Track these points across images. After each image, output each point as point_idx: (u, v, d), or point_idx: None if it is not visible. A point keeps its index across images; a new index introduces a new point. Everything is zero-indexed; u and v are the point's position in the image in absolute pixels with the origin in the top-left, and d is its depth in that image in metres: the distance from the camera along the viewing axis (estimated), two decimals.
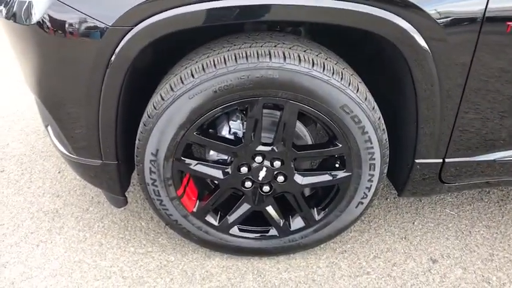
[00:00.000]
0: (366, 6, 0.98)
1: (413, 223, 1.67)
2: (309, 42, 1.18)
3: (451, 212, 1.73)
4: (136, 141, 1.21)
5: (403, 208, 1.74)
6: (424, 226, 1.66)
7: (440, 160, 1.25)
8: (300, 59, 1.08)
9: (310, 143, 1.33)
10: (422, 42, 1.01)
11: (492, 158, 1.26)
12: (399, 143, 1.29)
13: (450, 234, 1.62)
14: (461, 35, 1.03)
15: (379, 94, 1.22)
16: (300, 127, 1.30)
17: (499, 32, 1.02)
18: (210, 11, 1.00)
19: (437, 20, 0.99)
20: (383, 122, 1.20)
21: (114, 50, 1.04)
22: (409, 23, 0.99)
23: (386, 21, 0.99)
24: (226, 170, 1.27)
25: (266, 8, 1.01)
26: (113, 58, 1.05)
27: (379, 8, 0.98)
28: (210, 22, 1.02)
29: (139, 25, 1.01)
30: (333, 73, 1.10)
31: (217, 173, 1.27)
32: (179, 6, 0.99)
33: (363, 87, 1.15)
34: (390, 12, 0.98)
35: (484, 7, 0.99)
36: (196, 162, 1.26)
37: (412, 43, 1.02)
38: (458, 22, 1.00)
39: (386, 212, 1.72)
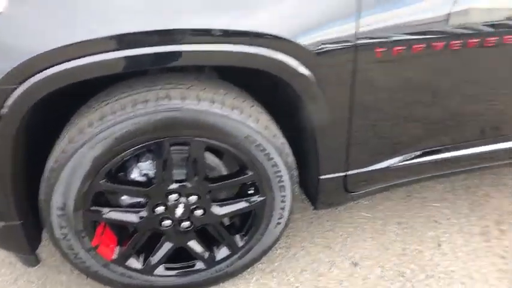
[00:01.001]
0: (242, 46, 1.04)
1: (334, 230, 1.78)
2: (209, 80, 1.22)
3: (366, 215, 1.86)
4: (40, 197, 1.16)
5: (324, 217, 1.85)
6: (344, 232, 1.77)
7: (343, 173, 1.36)
8: (198, 98, 1.12)
9: (225, 173, 1.36)
10: (302, 69, 1.10)
11: (386, 165, 1.40)
12: (306, 162, 1.38)
13: (367, 236, 1.75)
14: (338, 59, 1.13)
15: (284, 119, 1.31)
16: (212, 159, 1.33)
17: (372, 56, 1.14)
18: (98, 63, 1.00)
19: (312, 49, 1.08)
20: (287, 145, 1.27)
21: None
22: (286, 55, 1.07)
23: (266, 58, 1.06)
24: (141, 213, 1.26)
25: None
26: None
27: (256, 46, 1.04)
28: (100, 73, 1.02)
29: (25, 83, 0.98)
30: (233, 108, 1.15)
31: (133, 218, 1.26)
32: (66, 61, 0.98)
33: (263, 117, 1.21)
34: (267, 48, 1.05)
35: (354, 33, 1.10)
36: (109, 209, 1.24)
37: (293, 72, 1.10)
38: (332, 49, 1.10)
39: (309, 223, 1.81)
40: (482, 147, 1.52)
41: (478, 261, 1.65)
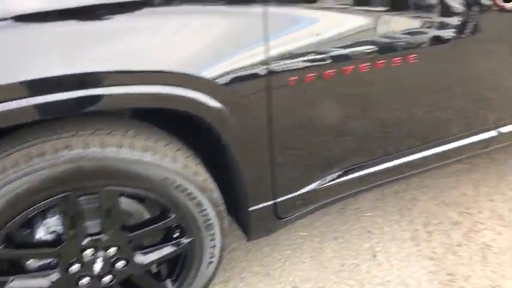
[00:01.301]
0: (139, 86, 0.97)
1: (273, 255, 1.74)
2: (116, 123, 1.12)
3: (304, 234, 1.85)
4: None
5: (261, 242, 1.80)
6: (282, 256, 1.74)
7: (272, 202, 1.32)
8: (104, 144, 1.02)
9: (148, 217, 1.26)
10: (213, 103, 1.04)
11: (314, 187, 1.39)
12: (233, 195, 1.32)
13: (306, 257, 1.73)
14: (250, 88, 1.09)
15: (210, 155, 1.25)
16: (132, 204, 1.23)
17: (285, 81, 1.12)
18: None
19: (219, 81, 1.02)
20: (211, 181, 1.21)
21: None
22: (192, 90, 1.01)
23: (168, 96, 0.99)
24: (53, 276, 1.12)
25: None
26: None
27: (157, 85, 0.98)
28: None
29: None
30: (145, 150, 1.07)
31: (43, 283, 1.11)
32: None
33: (181, 156, 1.14)
34: (169, 86, 0.99)
35: (263, 60, 1.07)
36: (12, 278, 1.08)
37: (203, 107, 1.04)
38: (241, 78, 1.06)
39: (246, 252, 1.76)
40: (409, 156, 1.58)
41: (410, 266, 1.70)
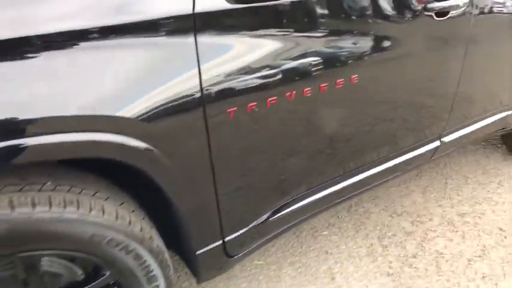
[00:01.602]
0: (59, 135, 0.82)
1: None
2: (33, 173, 0.96)
3: (259, 262, 1.76)
4: None
5: (215, 278, 1.68)
6: None
7: (220, 241, 1.21)
8: (12, 204, 0.86)
9: (82, 275, 1.10)
10: (140, 144, 0.91)
11: (265, 219, 1.30)
12: (179, 240, 1.20)
13: None
14: (186, 125, 0.98)
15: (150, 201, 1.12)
16: (59, 265, 1.06)
17: (224, 116, 1.02)
18: None
19: (147, 120, 0.89)
20: (148, 231, 1.08)
21: None
22: (110, 133, 0.86)
23: (93, 143, 0.85)
24: None
25: None
26: None
27: (77, 133, 0.83)
28: None
29: None
30: (66, 205, 0.92)
31: None
32: None
33: (111, 206, 1.00)
34: (93, 132, 0.85)
35: (198, 99, 0.97)
36: None
37: (127, 151, 0.90)
38: (175, 115, 0.95)
39: None
40: (361, 174, 1.55)
41: (370, 285, 1.66)
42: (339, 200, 1.57)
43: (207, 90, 0.96)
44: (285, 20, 1.07)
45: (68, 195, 0.93)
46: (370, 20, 1.23)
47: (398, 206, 2.12)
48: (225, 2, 0.96)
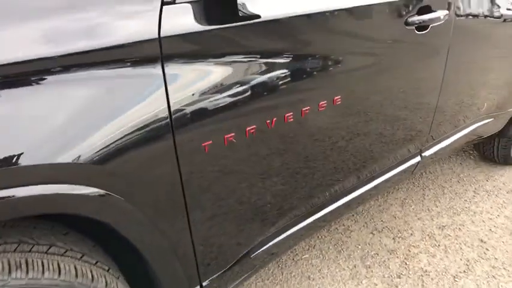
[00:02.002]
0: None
1: None
2: None
3: None
4: None
5: None
6: None
7: (198, 287, 1.08)
8: None
9: None
10: (86, 190, 0.76)
11: (245, 255, 1.19)
12: None
13: None
14: (153, 164, 0.85)
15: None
16: None
17: (197, 151, 0.90)
18: None
19: (94, 162, 0.75)
20: (115, 285, 0.93)
21: None
22: (61, 183, 0.72)
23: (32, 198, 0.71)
24: None
25: None
26: None
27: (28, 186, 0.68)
28: None
29: None
30: (10, 269, 0.76)
31: None
32: None
33: (69, 263, 0.85)
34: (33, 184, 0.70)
35: (167, 133, 0.83)
36: None
37: (75, 199, 0.76)
38: (141, 154, 0.81)
39: None
40: (345, 197, 1.47)
41: None
42: (323, 224, 1.48)
43: (177, 123, 0.84)
44: (263, 42, 0.96)
45: (14, 256, 0.78)
46: (351, 38, 1.15)
47: (378, 221, 2.06)
48: (196, 23, 0.84)
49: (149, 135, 0.81)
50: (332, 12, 1.06)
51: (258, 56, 0.95)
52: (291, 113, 1.04)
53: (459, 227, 2.02)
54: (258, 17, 0.93)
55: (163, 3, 0.81)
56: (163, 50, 0.80)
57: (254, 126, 0.97)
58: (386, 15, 1.23)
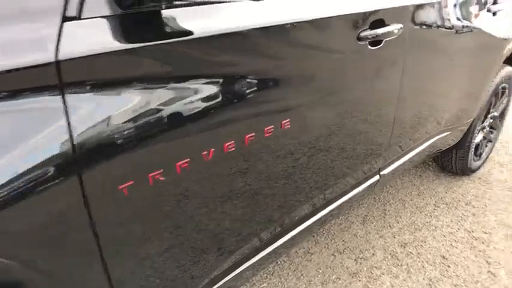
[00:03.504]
0: None
1: None
2: None
3: None
4: None
5: None
6: None
7: None
8: None
9: None
10: None
11: None
12: None
13: None
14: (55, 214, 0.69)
15: None
16: None
17: (115, 193, 0.75)
18: None
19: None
20: None
21: None
22: None
23: None
24: None
25: None
26: None
27: None
28: None
29: None
30: None
31: None
32: None
33: None
34: None
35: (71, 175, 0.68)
36: None
37: None
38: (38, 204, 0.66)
39: None
40: (306, 222, 1.37)
41: None
42: (284, 251, 1.36)
43: (83, 165, 0.69)
44: (194, 62, 0.83)
45: None
46: (298, 56, 1.04)
47: (339, 242, 1.96)
48: (108, 42, 0.69)
49: (47, 181, 0.65)
50: (277, 27, 0.95)
51: (188, 79, 0.82)
52: (232, 142, 0.91)
53: (421, 244, 1.97)
54: (190, 33, 0.80)
55: (64, 19, 0.67)
56: (63, 76, 0.65)
57: (187, 159, 0.84)
58: (337, 30, 1.13)
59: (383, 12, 1.24)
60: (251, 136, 0.95)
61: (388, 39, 1.27)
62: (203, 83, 0.83)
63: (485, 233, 2.05)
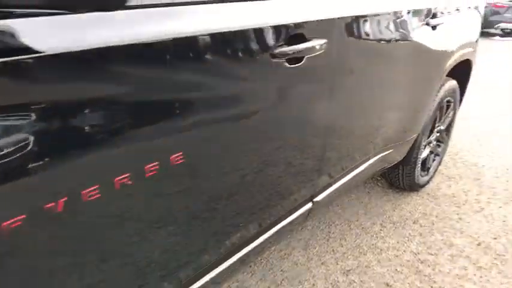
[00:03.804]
0: None
1: None
2: None
3: None
4: None
5: None
6: None
7: None
8: None
9: None
10: None
11: None
12: None
13: None
14: None
15: None
16: None
17: None
18: None
19: None
20: None
21: None
22: None
23: None
24: None
25: None
26: None
27: None
28: None
29: None
30: None
31: None
32: None
33: None
34: None
35: None
36: None
37: None
38: None
39: None
40: (235, 256, 1.21)
41: None
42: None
43: None
44: (42, 85, 0.64)
45: None
46: (196, 77, 0.87)
47: (278, 271, 1.80)
48: None
49: None
50: (165, 43, 0.77)
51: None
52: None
53: (365, 270, 1.84)
54: (37, 52, 0.62)
55: None
56: None
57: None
58: (244, 46, 0.97)
59: (303, 25, 1.10)
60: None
61: (310, 55, 1.13)
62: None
63: (431, 254, 1.96)
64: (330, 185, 1.51)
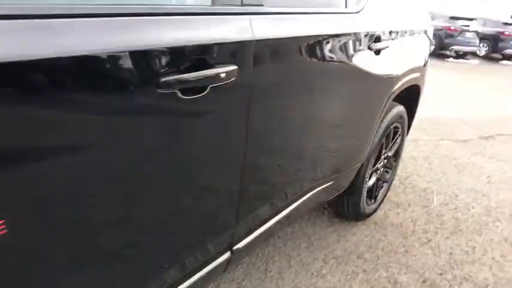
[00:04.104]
0: None
1: None
2: None
3: None
4: None
5: None
6: None
7: None
8: None
9: None
10: None
11: None
12: None
13: None
14: None
15: None
16: None
17: None
18: None
19: None
20: None
21: None
22: None
23: None
24: None
25: None
26: None
27: None
28: None
29: None
30: None
31: None
32: None
33: None
34: None
35: None
36: None
37: None
38: None
39: None
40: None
41: None
42: None
43: None
44: None
45: None
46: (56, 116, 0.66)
47: None
48: None
49: None
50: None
51: None
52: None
53: None
54: None
55: None
56: None
57: None
58: (120, 74, 0.76)
59: (203, 49, 0.91)
60: None
61: (215, 85, 0.94)
62: None
63: None
64: (253, 229, 1.32)
